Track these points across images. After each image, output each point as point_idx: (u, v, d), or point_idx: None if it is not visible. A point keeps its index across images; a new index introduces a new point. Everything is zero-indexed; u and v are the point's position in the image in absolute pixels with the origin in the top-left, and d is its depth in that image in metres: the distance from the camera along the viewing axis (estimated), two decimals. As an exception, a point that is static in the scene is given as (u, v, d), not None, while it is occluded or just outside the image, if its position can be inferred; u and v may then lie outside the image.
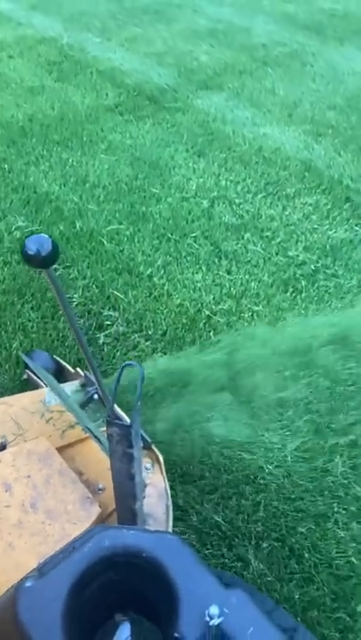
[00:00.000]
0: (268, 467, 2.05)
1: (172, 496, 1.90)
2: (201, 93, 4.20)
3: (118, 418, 1.02)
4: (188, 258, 2.85)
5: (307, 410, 2.22)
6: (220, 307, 2.60)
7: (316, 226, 3.09)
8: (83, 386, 1.70)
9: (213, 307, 2.60)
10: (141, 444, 1.11)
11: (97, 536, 0.90)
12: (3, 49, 4.74)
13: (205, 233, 3.00)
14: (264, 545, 1.85)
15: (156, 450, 1.55)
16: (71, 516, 1.22)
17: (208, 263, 2.83)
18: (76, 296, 2.61)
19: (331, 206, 3.22)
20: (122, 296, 2.63)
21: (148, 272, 2.76)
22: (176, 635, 0.82)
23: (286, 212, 3.16)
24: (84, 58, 4.65)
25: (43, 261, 0.89)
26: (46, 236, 0.87)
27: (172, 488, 1.94)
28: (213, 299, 2.64)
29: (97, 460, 1.40)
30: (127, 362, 0.97)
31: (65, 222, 2.99)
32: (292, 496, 1.97)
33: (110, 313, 2.55)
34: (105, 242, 2.89)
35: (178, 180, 3.33)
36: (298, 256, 2.90)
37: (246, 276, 2.78)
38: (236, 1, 5.78)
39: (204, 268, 2.80)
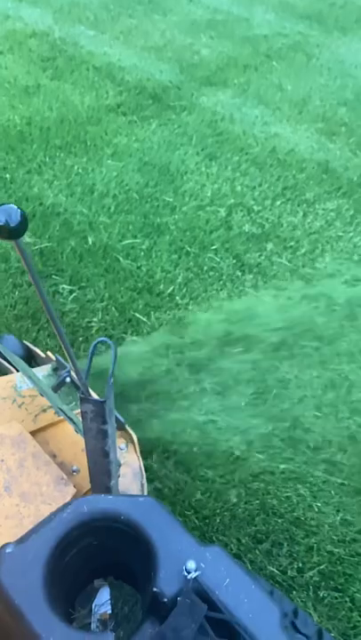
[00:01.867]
0: (317, 504, 1.92)
1: (226, 544, 1.77)
2: (205, 90, 4.00)
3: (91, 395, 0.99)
4: (211, 273, 2.69)
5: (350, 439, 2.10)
6: (248, 327, 2.45)
7: (340, 233, 2.94)
8: (55, 370, 1.67)
9: (242, 327, 2.45)
10: (115, 422, 1.09)
11: (75, 502, 0.92)
12: (-9, 44, 4.48)
13: (225, 245, 2.83)
14: (323, 595, 1.72)
15: (130, 430, 1.53)
16: (46, 497, 1.23)
17: (232, 278, 2.67)
18: (95, 320, 2.44)
19: (353, 212, 3.07)
20: (144, 318, 2.46)
21: (169, 290, 2.59)
22: (155, 589, 0.83)
23: (308, 220, 3.01)
24: (78, 53, 4.41)
25: (12, 232, 0.86)
26: (15, 206, 0.85)
27: (223, 534, 1.82)
28: (240, 318, 2.49)
29: (71, 442, 1.40)
30: (100, 338, 0.96)
31: (76, 237, 2.80)
32: (347, 538, 1.85)
33: (134, 338, 2.38)
34: (120, 258, 2.71)
35: (191, 187, 3.15)
36: (325, 267, 2.75)
37: (273, 291, 2.63)
38: (232, -11, 5.55)
39: (228, 284, 2.64)
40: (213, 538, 1.81)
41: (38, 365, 1.76)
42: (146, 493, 1.44)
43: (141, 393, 2.18)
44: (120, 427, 1.51)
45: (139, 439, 1.60)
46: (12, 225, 0.84)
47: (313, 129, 3.68)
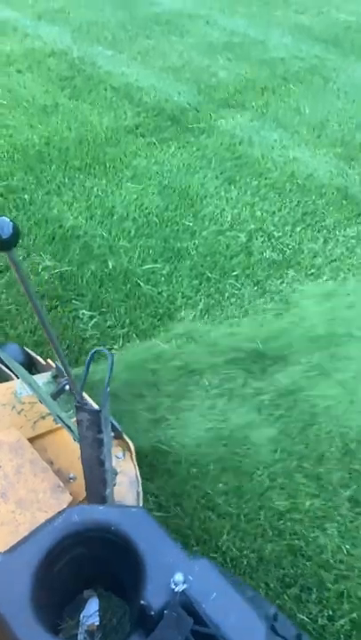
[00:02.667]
0: (346, 546, 1.87)
1: (255, 587, 1.72)
2: (224, 113, 4.00)
3: (87, 404, 0.99)
4: (232, 300, 2.66)
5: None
6: (271, 358, 2.41)
7: (362, 261, 2.91)
8: (54, 377, 1.68)
9: (268, 352, 2.41)
10: (111, 431, 1.11)
11: (66, 512, 0.92)
12: (11, 63, 4.50)
13: (246, 271, 2.80)
14: (353, 644, 1.67)
15: (126, 438, 1.53)
16: (42, 504, 1.22)
17: (254, 306, 2.64)
18: (116, 347, 2.41)
19: (374, 239, 3.05)
20: (165, 346, 2.43)
21: (190, 317, 2.56)
22: (142, 602, 0.82)
23: (329, 246, 2.98)
24: (96, 73, 4.42)
25: (3, 244, 0.87)
26: (7, 218, 0.86)
27: (251, 577, 1.76)
28: (264, 348, 2.45)
29: (68, 450, 1.40)
30: (97, 348, 0.97)
31: (96, 261, 2.78)
32: (377, 583, 1.79)
33: (156, 366, 2.34)
34: (141, 283, 2.68)
35: (211, 212, 3.13)
36: (348, 295, 2.72)
37: (295, 319, 2.59)
38: (248, 12, 5.59)
39: (250, 311, 2.61)
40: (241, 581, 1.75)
41: (39, 372, 1.76)
42: (142, 502, 1.42)
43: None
44: (117, 435, 1.51)
45: (137, 448, 1.57)
46: (3, 237, 0.85)
47: (331, 153, 3.67)
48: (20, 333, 2.42)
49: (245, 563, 1.80)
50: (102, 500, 1.16)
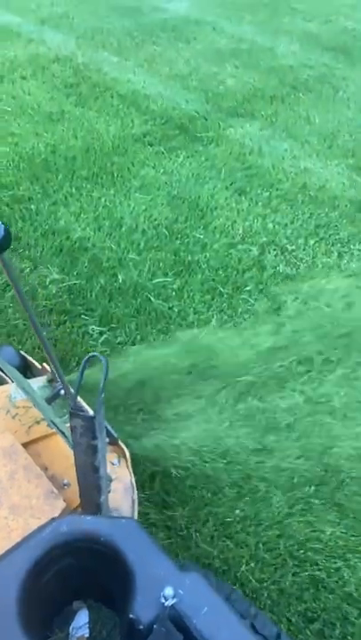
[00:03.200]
0: (369, 578, 1.79)
1: (276, 621, 1.64)
2: (232, 121, 3.94)
3: (82, 410, 0.98)
4: (245, 316, 2.59)
5: None
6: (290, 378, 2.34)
7: (377, 276, 2.85)
8: (50, 381, 1.66)
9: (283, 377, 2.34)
10: (106, 437, 1.07)
11: (55, 522, 0.90)
12: (15, 69, 4.44)
13: (260, 286, 2.74)
14: None
15: (122, 444, 1.51)
16: (35, 510, 1.21)
17: (268, 322, 2.57)
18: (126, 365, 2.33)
19: (389, 253, 2.98)
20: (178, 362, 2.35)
21: (202, 334, 2.49)
22: (131, 616, 0.81)
23: (344, 261, 2.91)
24: (102, 79, 4.36)
25: None
26: None
27: (272, 611, 1.69)
28: (280, 366, 2.38)
29: (63, 455, 1.38)
30: (91, 353, 0.95)
31: (105, 275, 2.71)
32: None
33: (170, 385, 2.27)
34: (152, 298, 2.61)
35: (222, 223, 3.06)
36: (364, 312, 2.65)
37: (310, 337, 2.52)
38: (255, 19, 5.54)
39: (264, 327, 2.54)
40: (261, 616, 1.68)
41: (34, 376, 1.73)
42: (137, 509, 1.39)
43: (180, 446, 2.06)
44: (113, 441, 1.49)
45: (132, 455, 1.54)
46: None
47: (343, 165, 3.61)
48: (29, 349, 2.34)
49: (266, 595, 1.72)
50: (97, 507, 1.14)
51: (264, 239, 2.99)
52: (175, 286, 2.69)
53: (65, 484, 1.33)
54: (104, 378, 0.91)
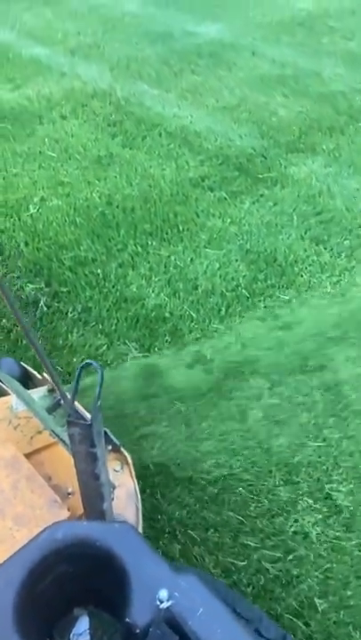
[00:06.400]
0: None
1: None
2: (293, 158, 3.67)
3: (81, 417, 0.98)
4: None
5: None
6: None
7: None
8: (50, 391, 1.66)
9: None
10: (105, 443, 1.06)
11: (50, 529, 0.91)
12: (53, 107, 4.18)
13: (362, 355, 2.46)
14: None
15: (125, 451, 1.50)
16: (39, 520, 1.21)
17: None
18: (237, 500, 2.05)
19: None
20: (290, 458, 2.08)
21: (321, 441, 2.20)
22: (127, 620, 0.83)
23: None
24: (146, 115, 4.10)
25: None
26: None
27: None
28: None
29: (66, 464, 1.36)
30: (86, 361, 0.94)
31: (189, 352, 2.43)
32: None
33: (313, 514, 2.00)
34: (247, 373, 2.33)
35: (306, 281, 2.79)
36: None
37: None
38: (293, 40, 5.28)
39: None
40: None
41: (35, 386, 1.74)
42: (140, 515, 1.38)
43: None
44: (115, 448, 1.49)
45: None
46: None
47: None
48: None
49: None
50: (101, 514, 1.13)
51: (358, 296, 2.72)
52: (266, 361, 2.41)
53: (69, 493, 1.34)
54: (99, 386, 0.91)
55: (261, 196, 3.35)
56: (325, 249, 2.99)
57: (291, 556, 1.83)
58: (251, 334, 2.53)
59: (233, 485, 1.98)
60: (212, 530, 1.88)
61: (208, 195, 3.35)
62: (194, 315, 2.61)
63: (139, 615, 0.83)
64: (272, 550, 1.84)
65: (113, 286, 2.73)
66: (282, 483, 2.01)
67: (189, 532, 1.87)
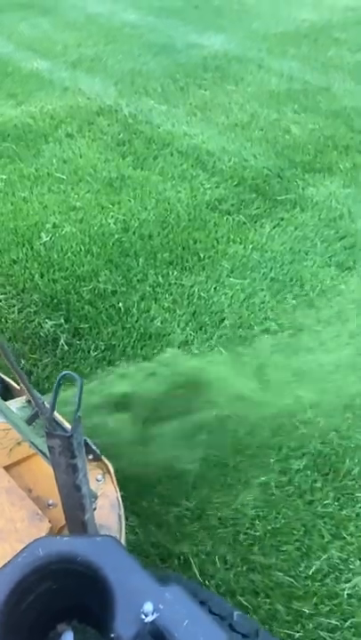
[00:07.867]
0: None
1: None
2: (310, 179, 3.58)
3: (61, 428, 0.96)
4: None
5: None
6: None
7: None
8: (29, 402, 1.61)
9: None
10: (85, 454, 1.04)
11: (31, 546, 0.91)
12: (57, 125, 4.04)
13: None
14: None
15: (106, 460, 1.46)
16: (21, 534, 1.20)
17: None
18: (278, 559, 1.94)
19: None
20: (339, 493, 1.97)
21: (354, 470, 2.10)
22: (112, 635, 0.82)
23: None
24: (155, 134, 3.98)
25: None
26: None
27: None
28: None
29: (46, 475, 1.31)
30: (65, 372, 0.93)
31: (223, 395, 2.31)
32: None
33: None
34: (298, 425, 2.22)
35: (337, 312, 2.69)
36: None
37: None
38: (299, 52, 5.20)
39: None
40: None
41: (14, 397, 1.69)
42: (124, 525, 1.35)
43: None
44: (96, 457, 1.46)
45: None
46: None
47: None
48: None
49: None
50: (82, 525, 1.12)
51: (390, 330, 2.62)
52: (308, 402, 2.31)
53: (50, 505, 1.32)
54: (79, 397, 0.91)
55: (282, 219, 3.25)
56: (352, 276, 2.89)
57: (348, 623, 1.72)
58: (288, 372, 2.42)
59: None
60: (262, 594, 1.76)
61: (226, 219, 3.23)
62: (223, 351, 2.49)
63: (124, 629, 0.82)
64: (328, 617, 1.73)
65: (136, 321, 2.60)
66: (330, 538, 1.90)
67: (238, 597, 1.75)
